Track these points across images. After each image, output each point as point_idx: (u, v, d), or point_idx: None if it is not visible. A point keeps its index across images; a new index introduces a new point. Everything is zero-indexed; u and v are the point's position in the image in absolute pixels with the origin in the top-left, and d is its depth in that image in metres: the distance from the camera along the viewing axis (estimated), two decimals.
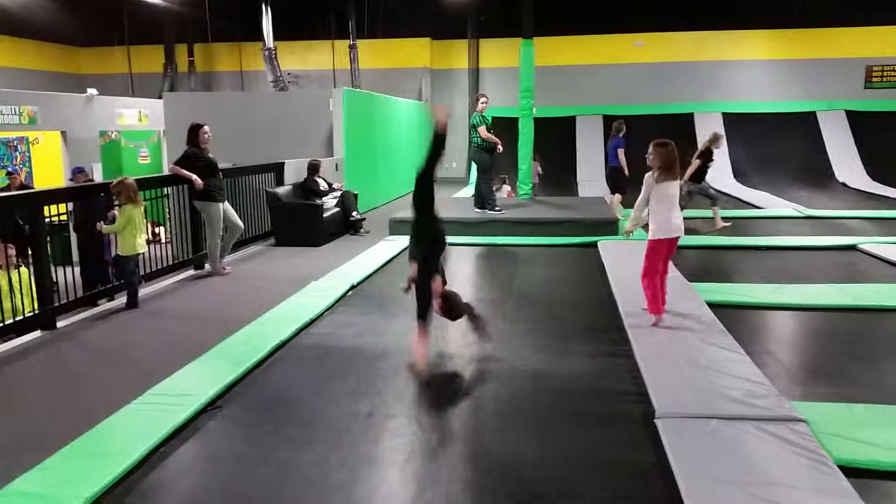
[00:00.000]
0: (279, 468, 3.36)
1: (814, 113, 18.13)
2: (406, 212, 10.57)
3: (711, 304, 5.86)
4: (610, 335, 5.30)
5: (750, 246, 8.80)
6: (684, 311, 5.70)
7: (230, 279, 7.48)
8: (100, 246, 7.57)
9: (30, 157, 13.31)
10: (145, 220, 6.57)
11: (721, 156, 17.56)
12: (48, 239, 5.91)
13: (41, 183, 12.77)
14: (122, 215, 6.26)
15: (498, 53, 18.87)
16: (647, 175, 5.39)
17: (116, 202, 6.40)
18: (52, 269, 5.85)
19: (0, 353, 5.04)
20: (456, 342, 5.35)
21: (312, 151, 11.77)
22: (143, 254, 6.49)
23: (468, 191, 14.49)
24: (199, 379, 4.37)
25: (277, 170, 10.28)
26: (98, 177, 12.99)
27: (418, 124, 17.76)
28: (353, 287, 6.82)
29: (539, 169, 13.72)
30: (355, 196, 10.53)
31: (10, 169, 9.93)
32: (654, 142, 5.44)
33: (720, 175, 16.84)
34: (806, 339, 5.54)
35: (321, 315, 5.89)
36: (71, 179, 10.73)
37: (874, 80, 18.24)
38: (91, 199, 7.11)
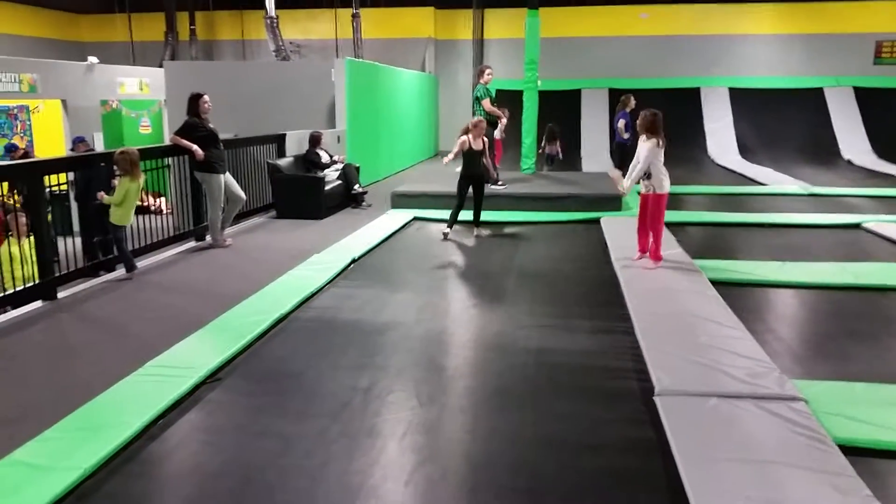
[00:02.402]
0: (280, 439, 3.37)
1: (821, 89, 17.92)
2: (408, 185, 10.53)
3: (714, 282, 5.84)
4: (611, 311, 5.29)
5: (754, 223, 8.75)
6: (687, 287, 5.68)
7: (231, 251, 7.46)
8: (101, 216, 7.54)
9: (30, 125, 13.21)
10: (141, 195, 6.49)
11: (727, 131, 17.51)
12: (49, 209, 5.89)
13: (42, 152, 12.70)
14: (120, 187, 6.22)
15: (503, 24, 18.63)
16: (650, 144, 6.20)
17: (118, 173, 6.35)
18: (53, 238, 5.83)
19: (0, 324, 5.04)
20: (457, 319, 5.35)
21: (314, 123, 11.67)
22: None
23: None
24: (200, 351, 4.37)
25: (279, 141, 10.20)
26: (99, 146, 12.92)
27: (422, 96, 17.61)
28: (354, 261, 6.80)
29: (559, 149, 13.65)
30: (357, 169, 10.47)
31: (8, 145, 9.80)
32: (652, 111, 6.29)
33: (725, 151, 16.77)
34: (808, 317, 5.53)
35: (322, 288, 5.88)
36: (72, 149, 10.66)
37: (884, 55, 17.98)
38: (92, 169, 7.07)
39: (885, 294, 5.78)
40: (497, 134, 11.46)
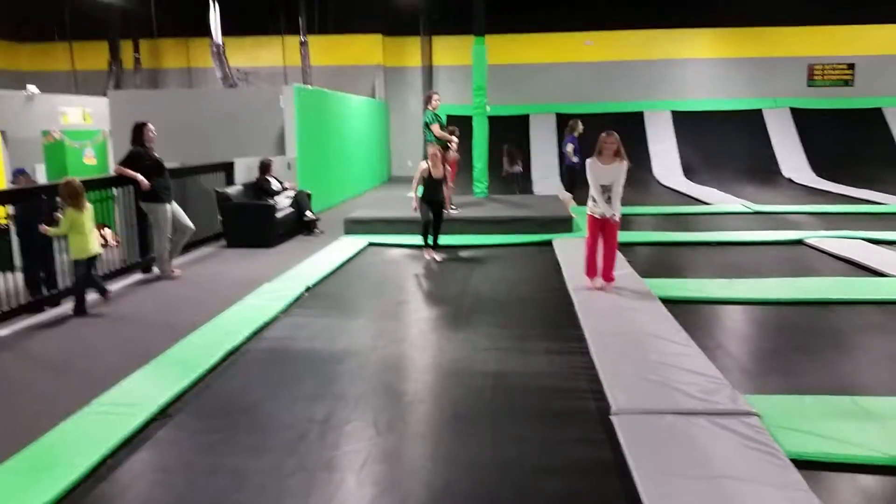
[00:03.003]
0: (232, 476, 3.28)
1: (760, 110, 18.58)
2: (361, 211, 10.49)
3: (665, 300, 5.94)
4: (566, 332, 5.33)
5: (700, 242, 8.96)
6: (638, 307, 5.77)
7: (180, 282, 7.30)
8: (43, 250, 7.29)
9: None
10: (94, 222, 6.33)
11: (670, 153, 17.97)
12: None
13: None
14: (65, 218, 6.05)
15: (451, 51, 18.84)
16: (626, 166, 6.24)
17: (61, 204, 6.18)
18: None
19: None
20: (415, 344, 5.32)
21: (264, 150, 11.58)
22: (100, 255, 6.28)
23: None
24: (149, 386, 4.25)
25: (228, 169, 10.08)
26: (42, 178, 12.55)
27: (372, 122, 17.63)
28: (308, 289, 6.72)
29: (519, 167, 13.92)
30: (309, 196, 10.40)
31: (15, 170, 9.20)
32: (610, 133, 6.32)
33: (670, 172, 17.18)
34: (757, 332, 5.65)
35: (275, 318, 5.79)
36: (12, 182, 10.33)
37: (816, 78, 18.77)
38: (32, 202, 6.86)
39: (828, 308, 5.95)
40: (453, 153, 11.57)
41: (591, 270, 6.51)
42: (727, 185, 15.21)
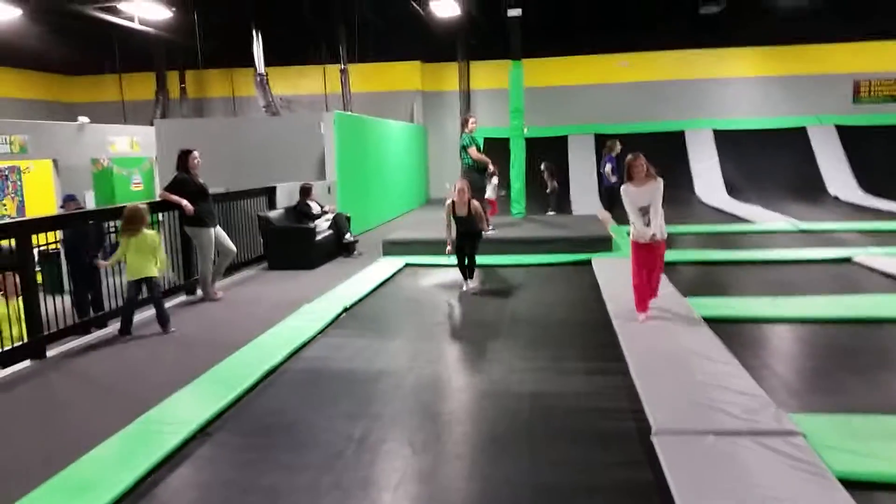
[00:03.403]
0: (269, 494, 3.30)
1: (804, 128, 18.23)
2: (399, 233, 10.55)
3: (707, 319, 5.82)
4: (605, 352, 5.25)
5: (745, 260, 8.78)
6: (680, 326, 5.67)
7: (222, 304, 7.42)
8: (91, 273, 7.50)
9: (21, 185, 13.26)
10: (156, 247, 6.43)
11: (713, 171, 17.72)
12: (39, 267, 5.86)
13: (33, 211, 12.72)
14: (120, 247, 6.25)
15: (488, 75, 18.97)
16: (658, 182, 5.92)
17: (110, 230, 6.35)
18: (42, 297, 5.79)
19: None
20: (451, 365, 5.30)
21: (304, 175, 11.76)
22: (153, 278, 6.34)
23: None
24: (190, 405, 4.31)
25: (270, 194, 10.26)
26: (90, 204, 12.95)
27: (410, 145, 17.80)
28: (346, 309, 6.76)
29: (555, 183, 13.95)
30: (348, 218, 10.51)
31: (66, 196, 9.49)
32: (638, 154, 6.06)
33: (713, 190, 16.93)
34: (803, 351, 5.50)
35: (314, 338, 5.84)
36: (62, 207, 10.67)
37: (862, 95, 18.37)
38: (82, 227, 7.08)
39: (878, 326, 5.76)
40: (490, 193, 11.64)
41: (640, 303, 6.01)
42: (772, 204, 14.90)
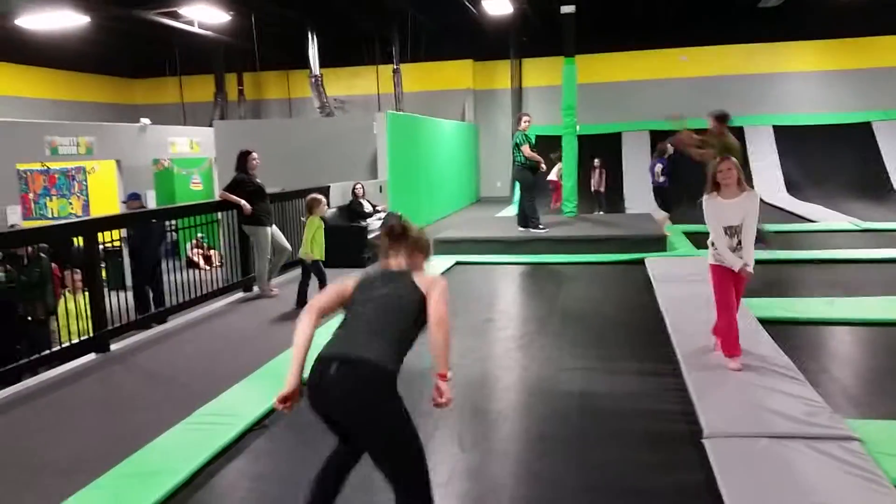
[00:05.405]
0: None
1: (869, 123, 17.60)
2: (450, 231, 10.61)
3: (763, 321, 5.71)
4: (657, 352, 5.20)
5: (805, 259, 8.55)
6: None
7: (278, 300, 7.60)
8: (153, 270, 7.78)
9: (86, 185, 13.80)
10: (316, 232, 7.18)
11: (773, 169, 17.25)
12: (103, 264, 6.11)
13: (97, 210, 13.22)
14: (308, 224, 7.07)
15: (540, 72, 18.88)
16: (753, 194, 4.70)
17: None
18: (106, 292, 6.03)
19: (55, 377, 5.21)
20: (500, 363, 5.33)
21: (358, 174, 11.93)
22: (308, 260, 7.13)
23: (512, 210, 14.48)
24: (247, 399, 4.43)
25: (323, 193, 10.41)
26: (151, 203, 13.40)
27: (462, 144, 17.85)
28: None
29: (603, 181, 13.88)
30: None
31: (131, 194, 9.89)
32: (729, 157, 4.78)
33: (772, 189, 16.49)
34: (862, 354, 5.35)
35: None
36: (124, 202, 11.04)
37: None
38: (145, 225, 7.34)
39: None
40: (554, 175, 11.76)
41: (728, 343, 4.70)
42: (834, 202, 14.45)
